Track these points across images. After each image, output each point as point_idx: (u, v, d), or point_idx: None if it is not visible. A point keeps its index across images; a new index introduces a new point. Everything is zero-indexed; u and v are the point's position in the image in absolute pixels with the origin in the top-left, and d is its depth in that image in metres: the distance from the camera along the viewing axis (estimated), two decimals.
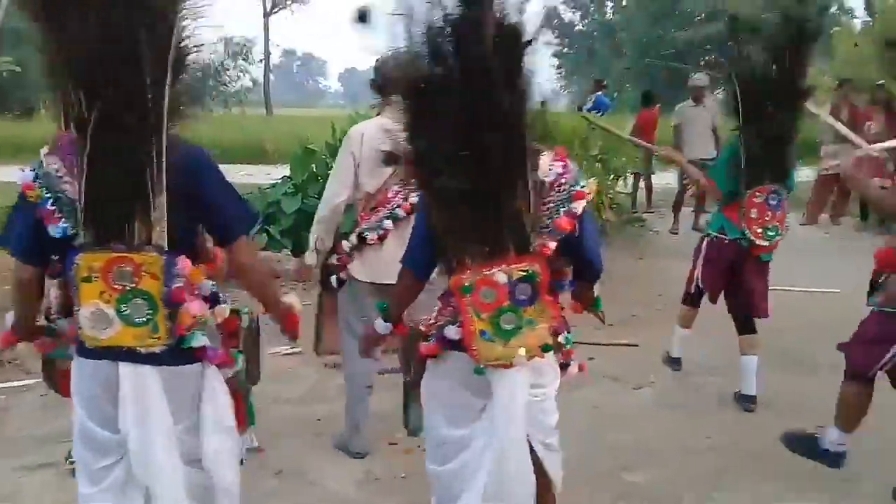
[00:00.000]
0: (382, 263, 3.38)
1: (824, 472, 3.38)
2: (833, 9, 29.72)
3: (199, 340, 2.18)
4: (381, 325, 2.51)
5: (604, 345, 5.36)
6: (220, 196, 2.25)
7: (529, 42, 2.16)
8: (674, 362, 4.85)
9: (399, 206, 3.49)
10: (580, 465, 3.45)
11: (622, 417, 4.21)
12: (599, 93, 12.37)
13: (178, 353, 2.17)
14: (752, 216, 4.10)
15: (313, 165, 7.67)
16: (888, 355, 3.12)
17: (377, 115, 3.58)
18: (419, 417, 2.67)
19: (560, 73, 51.18)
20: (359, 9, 2.84)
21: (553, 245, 2.25)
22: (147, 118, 2.04)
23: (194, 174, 2.16)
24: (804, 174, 9.65)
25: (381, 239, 3.49)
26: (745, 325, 4.35)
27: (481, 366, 2.25)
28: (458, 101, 2.14)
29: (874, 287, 3.20)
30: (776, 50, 4.06)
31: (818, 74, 21.69)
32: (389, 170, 3.31)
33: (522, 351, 2.23)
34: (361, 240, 3.50)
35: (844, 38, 20.07)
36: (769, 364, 4.51)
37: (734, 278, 4.28)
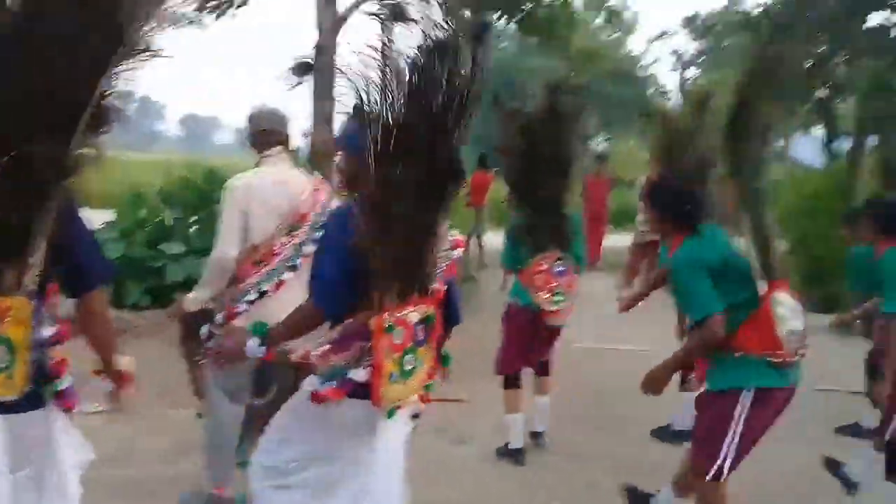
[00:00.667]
0: (277, 314, 3.26)
1: None
2: (650, 90, 32.56)
3: (67, 382, 2.13)
4: (254, 348, 2.38)
5: (431, 400, 5.39)
6: (85, 245, 2.20)
7: (473, 96, 2.25)
8: (516, 453, 4.50)
9: (294, 256, 3.42)
10: None
11: (444, 471, 4.22)
12: None
13: (28, 399, 2.05)
14: (538, 283, 4.27)
15: (143, 211, 7.32)
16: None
17: (255, 166, 3.52)
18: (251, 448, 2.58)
19: None
20: (300, 62, 2.84)
21: (443, 289, 2.34)
22: (47, 171, 1.97)
23: (66, 222, 2.08)
24: (622, 240, 10.46)
25: (278, 287, 3.41)
26: (541, 367, 4.58)
27: (385, 408, 2.25)
28: (416, 152, 2.22)
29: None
30: (540, 124, 4.30)
31: (638, 149, 23.62)
32: (278, 222, 3.35)
33: (412, 394, 2.30)
34: (262, 294, 3.38)
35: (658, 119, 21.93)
36: (589, 420, 4.70)
37: (531, 342, 4.46)
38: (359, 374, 2.25)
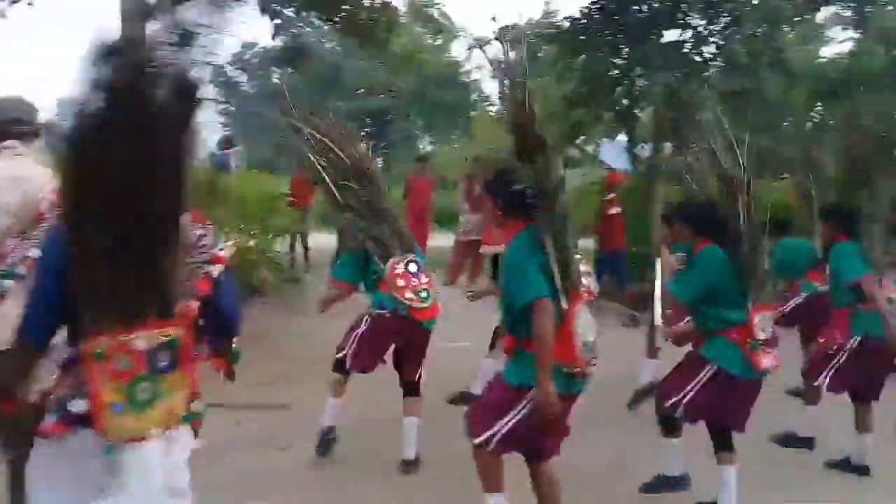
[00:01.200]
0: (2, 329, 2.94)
1: None
2: (474, 96, 33.66)
3: None
4: None
5: (253, 407, 5.24)
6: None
7: (197, 99, 2.07)
8: (326, 433, 4.48)
9: (18, 263, 3.02)
10: None
11: (267, 481, 4.11)
12: (226, 151, 12.36)
13: None
14: (400, 285, 4.29)
15: None
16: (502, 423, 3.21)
17: None
18: None
19: (227, 132, 50.54)
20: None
21: (196, 307, 2.18)
22: None
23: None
24: (446, 239, 10.72)
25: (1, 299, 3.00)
26: (409, 388, 4.49)
27: (111, 444, 2.01)
28: (120, 154, 1.97)
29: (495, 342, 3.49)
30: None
31: (461, 153, 24.39)
32: (7, 221, 2.95)
33: (155, 426, 2.06)
34: None
35: (482, 122, 22.79)
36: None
37: (399, 349, 4.45)
38: (77, 406, 2.04)
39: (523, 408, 3.15)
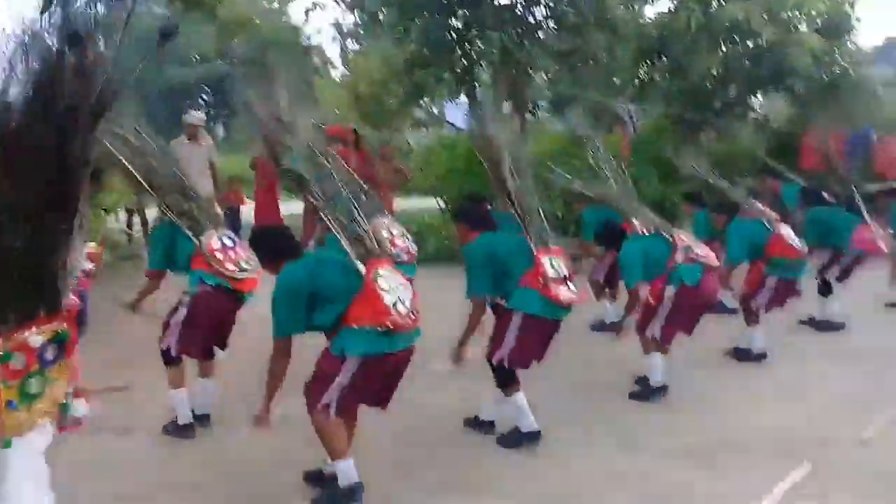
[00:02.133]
0: None
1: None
2: (316, 60, 32.94)
3: None
4: None
5: (93, 391, 4.97)
6: None
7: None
8: (185, 429, 4.44)
9: None
10: None
11: (106, 465, 3.97)
12: None
13: None
14: (219, 258, 4.24)
15: None
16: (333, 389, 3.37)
17: None
18: None
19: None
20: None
21: (77, 302, 2.24)
22: None
23: None
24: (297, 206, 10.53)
25: None
26: (209, 352, 4.51)
27: (7, 438, 2.04)
28: (36, 144, 1.97)
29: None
30: None
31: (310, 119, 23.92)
32: None
33: (41, 416, 2.12)
34: None
35: (326, 87, 22.37)
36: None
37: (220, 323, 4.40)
38: None
39: (347, 374, 3.32)
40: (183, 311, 4.28)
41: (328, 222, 3.61)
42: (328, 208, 3.63)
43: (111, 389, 5.03)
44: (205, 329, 4.34)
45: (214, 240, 4.28)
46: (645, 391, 5.01)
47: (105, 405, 4.72)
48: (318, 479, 3.67)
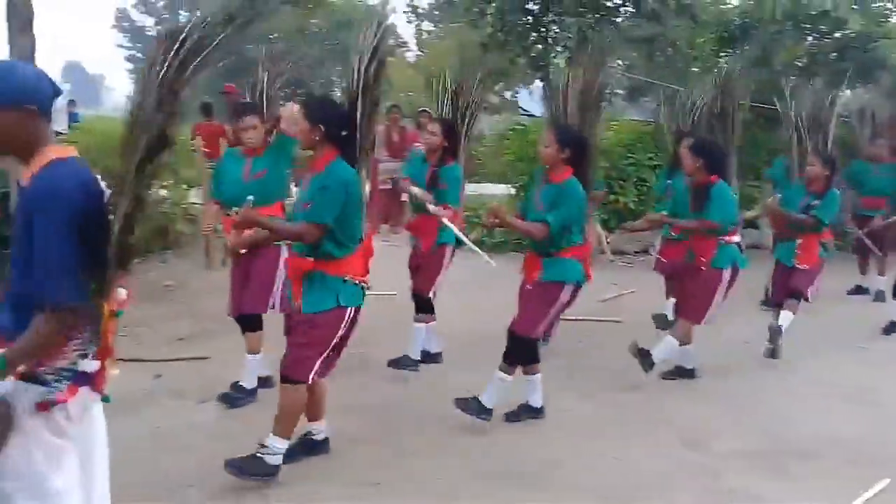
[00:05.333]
0: None
1: (377, 467, 3.73)
2: (391, 41, 33.10)
3: None
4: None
5: (171, 360, 5.22)
6: None
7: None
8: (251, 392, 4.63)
9: None
10: (139, 488, 3.35)
11: (185, 435, 4.11)
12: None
13: None
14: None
15: None
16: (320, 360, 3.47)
17: None
18: None
19: (134, 78, 48.45)
20: None
21: None
22: None
23: None
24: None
25: None
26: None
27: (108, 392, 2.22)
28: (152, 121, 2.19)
29: None
30: None
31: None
32: None
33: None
34: None
35: (399, 68, 22.49)
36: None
37: None
38: (91, 366, 2.12)
39: (338, 329, 3.46)
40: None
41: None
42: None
43: (191, 359, 5.31)
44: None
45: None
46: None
47: (186, 375, 5.00)
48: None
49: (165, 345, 5.60)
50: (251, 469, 3.49)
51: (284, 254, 4.34)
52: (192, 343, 5.67)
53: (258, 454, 3.50)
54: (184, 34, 2.26)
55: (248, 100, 4.90)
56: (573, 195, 4.16)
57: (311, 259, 3.45)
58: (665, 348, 4.95)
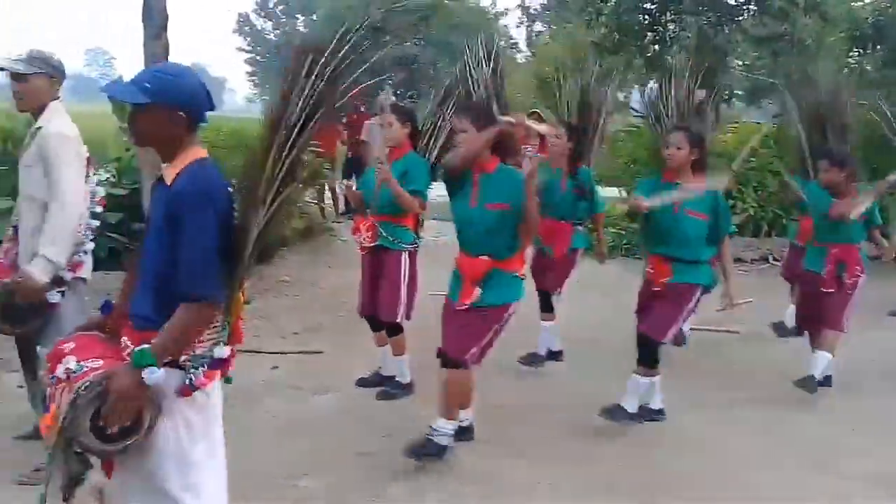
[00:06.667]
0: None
1: (488, 466, 3.75)
2: (501, 42, 33.13)
3: None
4: (153, 377, 2.10)
5: (288, 353, 5.40)
6: None
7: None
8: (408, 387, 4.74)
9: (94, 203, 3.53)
10: (258, 476, 3.47)
11: (302, 426, 4.23)
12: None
13: None
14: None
15: None
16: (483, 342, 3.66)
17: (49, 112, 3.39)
18: None
19: (254, 81, 50.47)
20: None
21: None
22: None
23: None
24: None
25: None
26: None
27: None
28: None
29: None
30: None
31: None
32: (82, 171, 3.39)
33: None
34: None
35: (510, 70, 22.47)
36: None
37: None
38: (224, 352, 2.26)
39: (502, 323, 3.67)
40: (406, 276, 4.51)
41: None
42: None
43: (307, 353, 5.47)
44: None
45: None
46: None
47: (302, 368, 5.17)
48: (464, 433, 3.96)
49: (281, 338, 5.79)
50: (424, 450, 3.70)
51: (406, 258, 4.51)
52: (307, 337, 5.84)
53: (429, 437, 3.70)
54: (332, 45, 2.42)
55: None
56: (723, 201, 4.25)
57: (488, 258, 3.63)
58: (821, 364, 4.75)
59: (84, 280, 3.49)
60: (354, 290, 4.79)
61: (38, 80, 3.35)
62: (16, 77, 3.34)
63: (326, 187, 11.28)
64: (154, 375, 2.08)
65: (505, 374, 4.96)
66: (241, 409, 4.17)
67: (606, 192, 11.97)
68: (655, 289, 4.23)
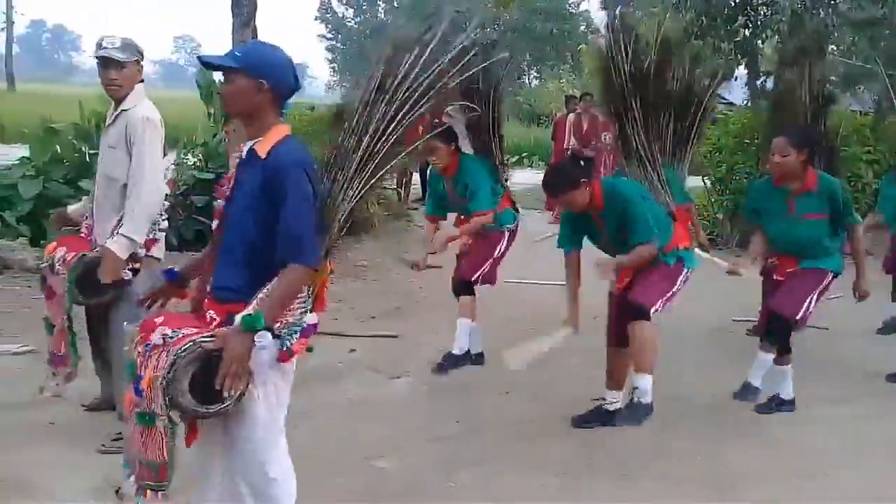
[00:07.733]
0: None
1: (562, 454, 3.72)
2: (582, 27, 32.57)
3: None
4: (265, 342, 2.20)
5: (365, 336, 5.46)
6: None
7: None
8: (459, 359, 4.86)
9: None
10: (334, 455, 3.53)
11: (377, 407, 4.28)
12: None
13: None
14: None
15: (57, 147, 7.03)
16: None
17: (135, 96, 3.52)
18: None
19: (333, 68, 51.17)
20: None
21: None
22: None
23: None
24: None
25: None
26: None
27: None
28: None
29: None
30: None
31: (569, 87, 23.70)
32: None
33: None
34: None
35: (591, 55, 22.03)
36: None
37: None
38: (313, 318, 2.33)
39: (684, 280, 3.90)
40: (501, 251, 4.80)
41: None
42: None
43: (384, 336, 5.53)
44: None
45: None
46: None
47: (379, 351, 5.23)
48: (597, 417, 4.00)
49: (359, 321, 5.87)
50: (633, 417, 3.76)
51: (507, 236, 4.82)
52: (384, 321, 5.89)
53: (635, 399, 3.74)
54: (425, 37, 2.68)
55: None
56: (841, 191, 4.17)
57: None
58: None
59: (158, 259, 3.59)
60: (430, 275, 4.83)
61: (133, 66, 3.48)
62: (113, 65, 3.45)
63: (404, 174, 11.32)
64: (266, 340, 2.17)
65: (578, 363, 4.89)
66: (321, 389, 4.27)
67: (690, 181, 11.68)
68: (779, 278, 4.21)
